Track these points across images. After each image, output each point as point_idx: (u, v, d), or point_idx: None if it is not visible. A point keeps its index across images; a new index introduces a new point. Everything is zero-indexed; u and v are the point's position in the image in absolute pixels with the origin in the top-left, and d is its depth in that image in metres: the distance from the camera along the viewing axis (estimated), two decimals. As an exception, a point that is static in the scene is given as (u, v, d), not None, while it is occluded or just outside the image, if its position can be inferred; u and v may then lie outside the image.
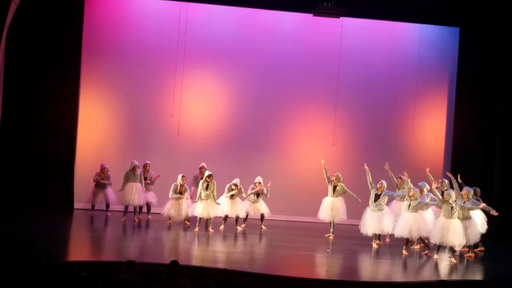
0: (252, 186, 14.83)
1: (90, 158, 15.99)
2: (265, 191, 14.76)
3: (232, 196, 14.45)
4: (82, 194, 15.62)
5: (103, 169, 15.06)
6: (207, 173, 14.26)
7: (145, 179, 15.05)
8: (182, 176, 14.48)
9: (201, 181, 14.30)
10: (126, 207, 14.89)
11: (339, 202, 14.63)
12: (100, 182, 15.00)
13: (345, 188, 14.58)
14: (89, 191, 15.25)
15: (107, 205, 15.24)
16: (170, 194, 14.43)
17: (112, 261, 10.56)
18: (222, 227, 14.50)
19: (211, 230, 14.13)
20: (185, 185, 14.50)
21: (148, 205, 15.26)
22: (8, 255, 9.59)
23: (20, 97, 15.43)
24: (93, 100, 16.37)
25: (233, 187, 14.43)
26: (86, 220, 14.93)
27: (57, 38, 15.66)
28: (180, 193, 14.41)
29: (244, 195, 14.65)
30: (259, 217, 14.98)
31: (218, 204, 14.21)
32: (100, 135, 16.43)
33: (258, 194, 14.83)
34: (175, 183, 14.47)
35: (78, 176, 16.00)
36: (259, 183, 14.78)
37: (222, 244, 13.48)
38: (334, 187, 14.58)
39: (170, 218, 14.66)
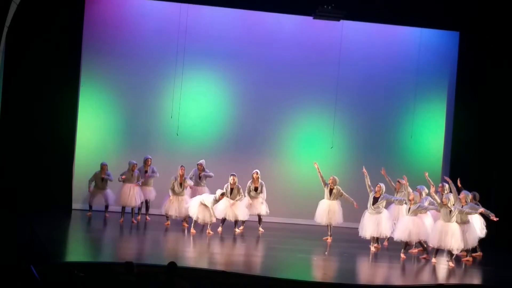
0: (249, 183, 14.80)
1: (89, 159, 15.94)
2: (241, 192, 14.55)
3: (221, 196, 14.25)
4: (80, 195, 15.62)
5: (102, 167, 15.00)
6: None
7: (146, 172, 15.03)
8: (181, 166, 14.49)
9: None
10: (123, 208, 14.88)
11: (336, 205, 14.60)
12: (102, 177, 14.90)
13: (342, 191, 14.55)
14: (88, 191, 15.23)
15: (106, 206, 15.18)
16: (171, 191, 14.40)
17: (111, 262, 10.56)
18: (220, 229, 14.50)
19: (210, 232, 14.12)
20: (184, 176, 14.50)
21: (147, 204, 15.24)
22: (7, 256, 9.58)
23: (19, 97, 15.44)
24: (92, 101, 16.35)
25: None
26: (84, 221, 14.92)
27: (57, 38, 15.66)
28: (180, 184, 14.41)
29: (243, 194, 14.58)
30: (257, 219, 14.97)
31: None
32: (99, 136, 16.41)
33: (256, 188, 14.81)
34: (175, 175, 14.48)
35: (77, 177, 15.98)
36: (256, 172, 14.74)
37: (220, 246, 13.48)
38: (331, 190, 14.57)
39: (168, 219, 14.66)
